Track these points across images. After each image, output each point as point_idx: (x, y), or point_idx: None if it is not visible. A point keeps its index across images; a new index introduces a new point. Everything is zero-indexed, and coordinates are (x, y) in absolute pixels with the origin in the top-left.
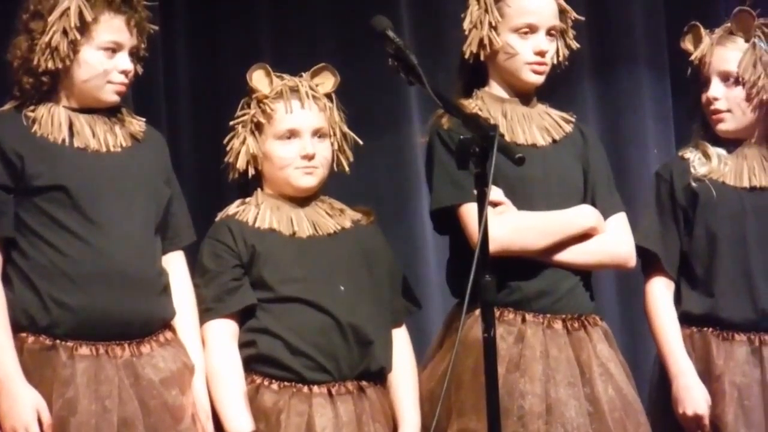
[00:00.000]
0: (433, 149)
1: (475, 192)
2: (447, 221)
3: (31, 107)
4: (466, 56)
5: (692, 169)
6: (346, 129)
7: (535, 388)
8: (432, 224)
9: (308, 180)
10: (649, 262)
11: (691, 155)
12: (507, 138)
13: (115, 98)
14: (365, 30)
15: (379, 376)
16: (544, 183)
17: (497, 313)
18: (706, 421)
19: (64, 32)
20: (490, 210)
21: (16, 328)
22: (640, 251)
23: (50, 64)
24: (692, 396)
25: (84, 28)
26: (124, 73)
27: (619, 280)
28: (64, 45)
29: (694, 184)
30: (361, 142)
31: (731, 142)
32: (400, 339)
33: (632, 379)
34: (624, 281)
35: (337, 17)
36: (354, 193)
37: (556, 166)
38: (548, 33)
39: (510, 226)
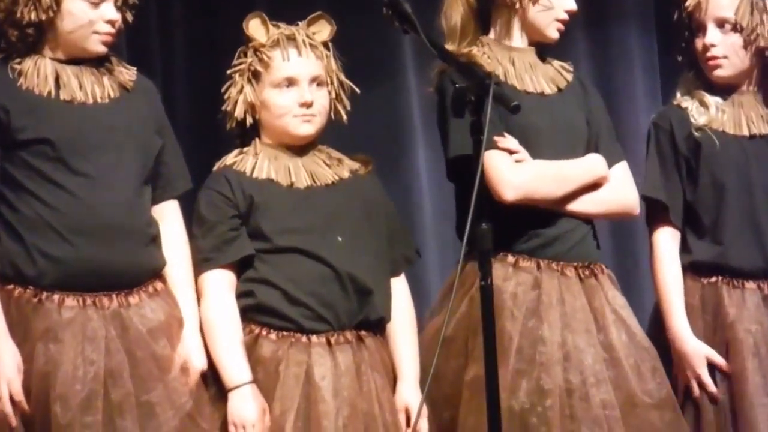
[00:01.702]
0: (445, 96)
1: (494, 138)
2: (459, 169)
3: (18, 60)
4: (499, 1)
5: (691, 119)
6: (343, 77)
7: (553, 335)
8: (446, 171)
9: (306, 128)
10: (654, 213)
11: (688, 104)
12: (516, 86)
13: (102, 48)
14: None
15: (378, 325)
16: (552, 131)
17: (513, 260)
18: (705, 380)
19: None
20: (508, 158)
21: (3, 280)
22: (646, 202)
23: (33, 16)
24: (687, 361)
25: None
26: (110, 22)
27: (614, 235)
28: None
29: (696, 134)
30: (358, 91)
31: (725, 90)
32: (400, 289)
33: None
34: (618, 236)
35: None
36: (349, 143)
37: (562, 115)
38: None
39: (531, 174)
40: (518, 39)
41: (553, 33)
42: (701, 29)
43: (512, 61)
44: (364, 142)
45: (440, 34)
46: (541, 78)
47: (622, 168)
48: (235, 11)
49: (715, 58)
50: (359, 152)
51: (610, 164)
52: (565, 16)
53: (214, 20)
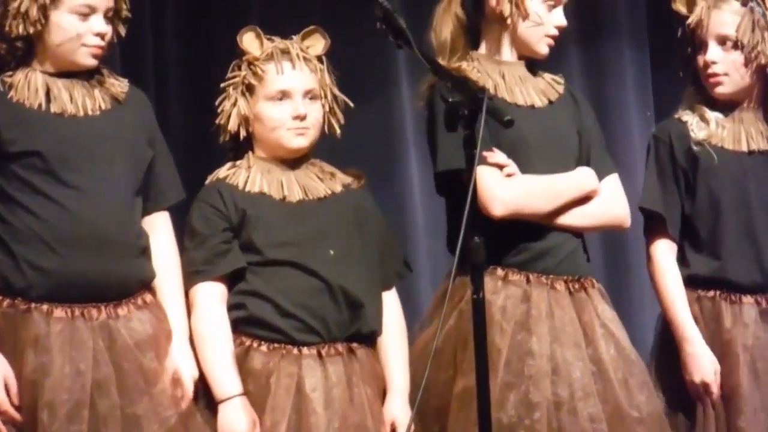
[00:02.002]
0: (435, 109)
1: (483, 153)
2: (448, 183)
3: (9, 73)
4: (499, 12)
5: (691, 133)
6: (336, 91)
7: (542, 348)
8: (435, 185)
9: (300, 141)
10: (651, 225)
11: (689, 118)
12: (507, 99)
13: (92, 61)
14: None
15: (369, 338)
16: (542, 144)
17: (503, 274)
18: (714, 388)
19: None
20: (497, 173)
21: None
22: (644, 213)
23: (21, 29)
24: (699, 363)
25: None
26: (99, 35)
27: (606, 248)
28: (34, 9)
29: (695, 148)
30: (352, 104)
31: (726, 106)
32: (390, 302)
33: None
34: (610, 250)
35: None
36: (342, 156)
37: (553, 128)
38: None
39: (520, 190)
40: (508, 54)
41: (542, 49)
42: (703, 46)
43: (502, 74)
44: (357, 156)
45: (432, 49)
46: (532, 91)
47: (613, 181)
48: (228, 25)
49: (715, 75)
50: (352, 166)
51: (601, 177)
52: (555, 32)
53: (207, 34)
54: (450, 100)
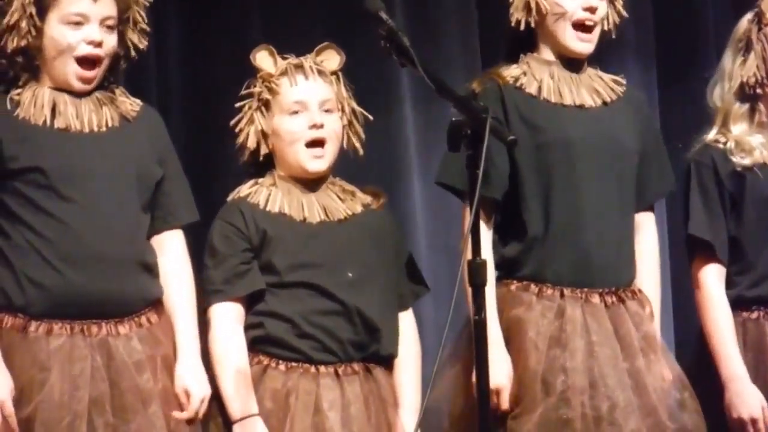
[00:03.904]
0: None
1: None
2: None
3: (18, 91)
4: (513, 23)
5: (733, 158)
6: (355, 105)
7: (577, 363)
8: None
9: (317, 164)
10: (699, 251)
11: (725, 141)
12: (553, 100)
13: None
14: (358, 11)
15: (386, 360)
16: (591, 146)
17: (536, 290)
18: (761, 425)
19: (24, 9)
20: None
21: None
22: (691, 240)
23: (16, 43)
24: (747, 401)
25: (46, 2)
26: (93, 43)
27: None
28: (24, 21)
29: (739, 169)
30: (371, 118)
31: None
32: (406, 323)
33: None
34: None
35: None
36: (346, 174)
37: (605, 128)
38: None
39: None
40: (550, 55)
41: (574, 44)
42: None
43: (552, 74)
44: (359, 173)
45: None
46: (583, 90)
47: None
48: (231, 43)
49: None
50: (354, 183)
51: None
52: (585, 14)
53: (210, 54)
54: (453, 119)
